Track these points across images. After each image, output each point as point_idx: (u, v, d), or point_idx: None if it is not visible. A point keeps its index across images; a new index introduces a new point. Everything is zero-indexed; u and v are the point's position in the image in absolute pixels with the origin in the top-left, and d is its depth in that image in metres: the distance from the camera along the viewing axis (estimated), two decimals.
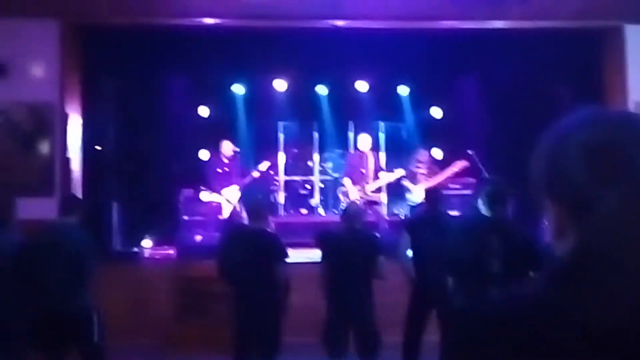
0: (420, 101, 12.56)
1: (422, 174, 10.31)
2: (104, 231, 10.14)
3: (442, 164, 10.55)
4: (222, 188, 10.48)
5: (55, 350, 5.37)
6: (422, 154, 10.50)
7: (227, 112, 12.29)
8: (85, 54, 9.88)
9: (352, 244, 5.66)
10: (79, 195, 8.88)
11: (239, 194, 10.49)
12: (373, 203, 10.11)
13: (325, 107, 12.55)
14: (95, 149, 10.21)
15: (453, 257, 4.17)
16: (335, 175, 11.64)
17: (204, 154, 12.01)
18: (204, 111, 12.29)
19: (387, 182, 10.31)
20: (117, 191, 10.76)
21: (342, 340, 5.65)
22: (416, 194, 10.18)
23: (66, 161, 9.27)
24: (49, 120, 9.02)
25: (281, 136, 12.14)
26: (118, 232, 10.72)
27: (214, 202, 10.51)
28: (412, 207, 10.07)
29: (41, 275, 5.27)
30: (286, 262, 5.96)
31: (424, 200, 6.61)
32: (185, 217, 10.83)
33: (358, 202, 6.38)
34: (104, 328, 5.43)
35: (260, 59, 11.02)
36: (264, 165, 10.67)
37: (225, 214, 10.45)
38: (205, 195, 10.52)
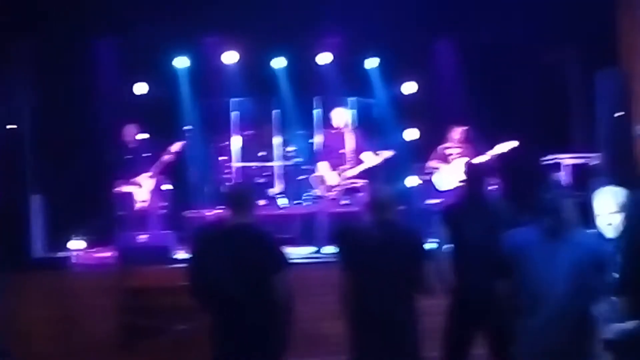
0: (392, 73, 11.07)
1: (457, 154, 9.30)
2: (20, 232, 8.27)
3: (480, 144, 9.35)
4: (132, 176, 9.26)
5: None
6: (455, 131, 9.50)
7: (169, 88, 10.61)
8: None
9: (385, 243, 3.92)
10: None
11: (151, 182, 9.24)
12: (354, 190, 8.47)
13: (283, 81, 10.91)
14: (8, 129, 8.45)
15: (628, 270, 2.52)
16: (299, 159, 10.31)
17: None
18: (141, 87, 10.48)
19: (372, 164, 8.63)
20: (38, 182, 8.86)
21: None
22: (446, 179, 9.21)
23: None
24: None
25: (234, 115, 10.50)
26: (40, 233, 8.75)
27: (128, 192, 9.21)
28: (442, 193, 9.08)
29: None
30: (287, 271, 4.15)
31: (464, 181, 4.95)
32: (122, 213, 9.06)
33: (386, 187, 4.70)
34: None
35: (208, 26, 9.75)
36: (176, 146, 9.27)
37: (140, 204, 9.21)
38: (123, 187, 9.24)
